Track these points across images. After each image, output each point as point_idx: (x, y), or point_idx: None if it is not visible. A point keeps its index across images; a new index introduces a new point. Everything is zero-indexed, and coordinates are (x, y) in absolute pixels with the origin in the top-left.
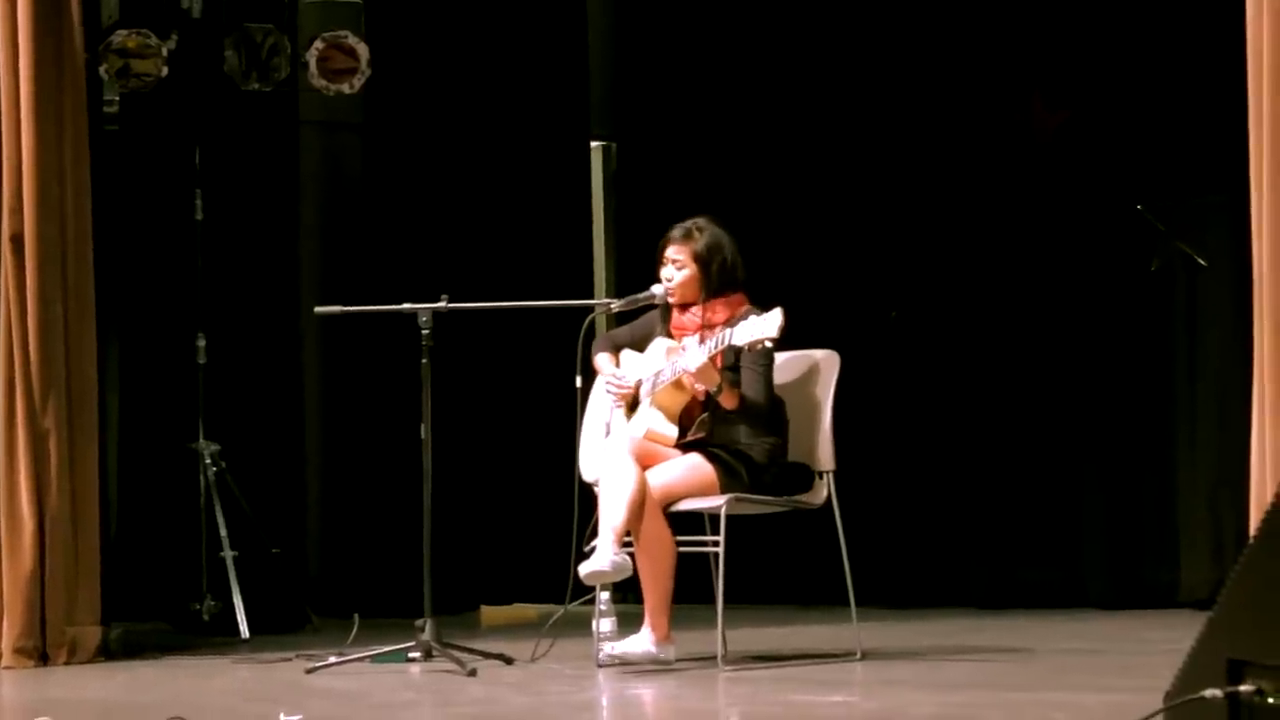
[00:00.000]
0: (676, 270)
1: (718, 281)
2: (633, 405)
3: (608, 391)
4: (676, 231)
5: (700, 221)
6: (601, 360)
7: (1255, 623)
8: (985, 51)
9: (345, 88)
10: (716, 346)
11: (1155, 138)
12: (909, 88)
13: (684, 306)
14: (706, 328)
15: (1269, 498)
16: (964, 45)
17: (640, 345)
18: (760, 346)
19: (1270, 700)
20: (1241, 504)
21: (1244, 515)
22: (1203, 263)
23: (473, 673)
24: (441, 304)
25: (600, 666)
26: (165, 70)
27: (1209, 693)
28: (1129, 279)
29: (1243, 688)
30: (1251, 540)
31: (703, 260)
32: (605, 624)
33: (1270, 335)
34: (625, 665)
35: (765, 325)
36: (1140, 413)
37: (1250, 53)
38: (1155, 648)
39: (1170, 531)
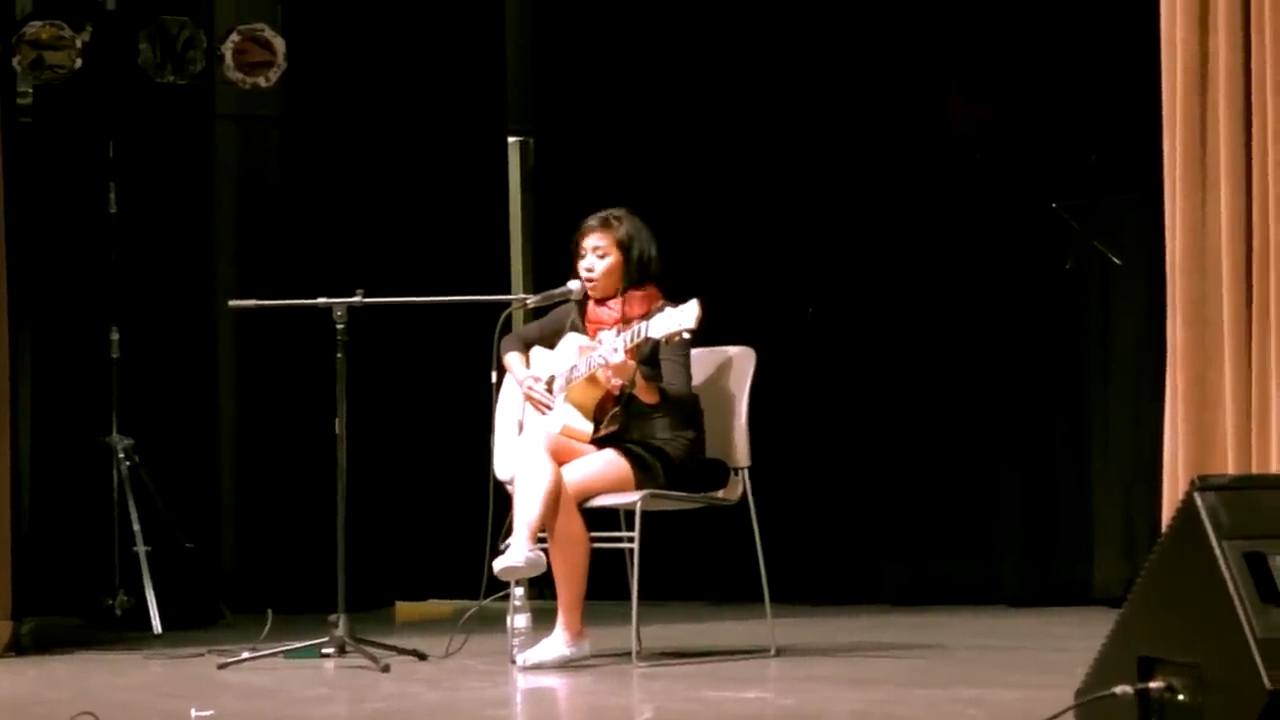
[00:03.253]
0: (599, 259)
1: (638, 270)
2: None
3: (528, 396)
4: (594, 221)
5: (616, 211)
6: (513, 360)
7: (1165, 621)
8: (903, 48)
9: (261, 81)
10: (632, 340)
11: (1070, 136)
12: (827, 83)
13: (601, 300)
14: (624, 322)
15: (1180, 495)
16: (882, 41)
17: (550, 342)
18: (677, 339)
19: (1180, 697)
20: (1155, 501)
21: (1157, 512)
22: (1117, 261)
23: (386, 668)
24: (356, 298)
25: (514, 664)
26: (79, 62)
27: (1120, 689)
28: (1044, 276)
29: (1153, 684)
30: (1161, 538)
31: (625, 247)
32: (520, 620)
33: (1183, 332)
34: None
35: (682, 317)
36: (1055, 410)
37: (1164, 53)
38: (1069, 645)
39: (1084, 528)
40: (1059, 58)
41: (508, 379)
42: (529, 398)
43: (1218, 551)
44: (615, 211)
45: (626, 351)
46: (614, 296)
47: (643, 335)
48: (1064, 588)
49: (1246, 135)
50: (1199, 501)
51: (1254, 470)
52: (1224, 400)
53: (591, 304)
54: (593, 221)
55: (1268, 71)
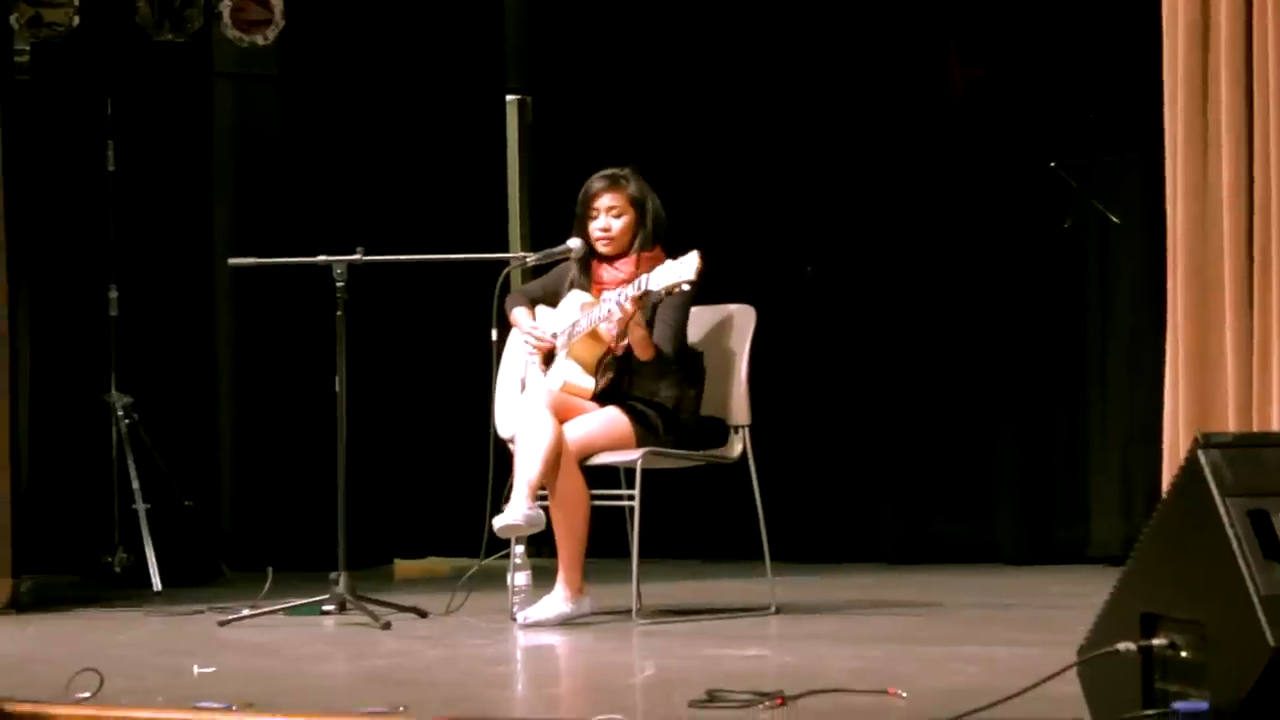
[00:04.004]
0: (614, 218)
1: (652, 226)
2: (548, 359)
3: (526, 344)
4: (600, 181)
5: (621, 170)
6: (519, 314)
7: (1168, 577)
8: (901, 7)
9: (259, 39)
10: (634, 291)
11: (1069, 95)
12: (825, 42)
13: (613, 259)
14: (631, 283)
15: (1183, 454)
16: (881, 2)
17: (552, 300)
18: (677, 290)
19: (1183, 654)
20: (1153, 461)
21: (1155, 472)
22: (1116, 220)
23: (387, 626)
24: (356, 256)
25: (515, 622)
26: (77, 20)
27: (1122, 646)
28: (1043, 236)
29: (1155, 641)
30: (1165, 495)
31: (639, 203)
32: (520, 578)
33: (1183, 292)
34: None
35: (682, 269)
36: (1054, 369)
37: (1165, 12)
38: (1066, 602)
39: (1082, 487)
40: (1058, 16)
41: (511, 337)
42: (529, 342)
43: (1221, 509)
44: (620, 170)
45: (631, 300)
46: (626, 255)
47: (643, 288)
48: (1061, 546)
49: (1248, 96)
50: (1203, 459)
51: (1255, 430)
52: (1225, 361)
53: (597, 263)
54: (600, 182)
55: (1270, 31)
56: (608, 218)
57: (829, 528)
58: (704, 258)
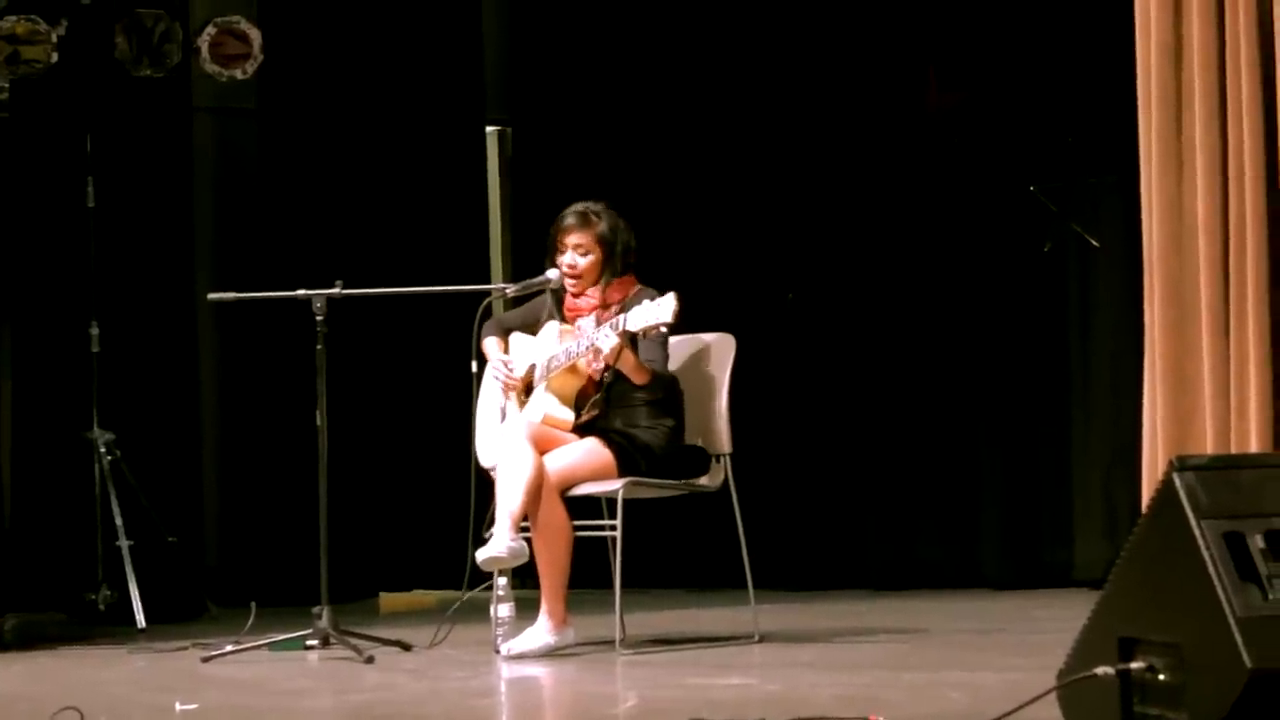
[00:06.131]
0: (581, 256)
1: (621, 263)
2: (527, 390)
3: (496, 380)
4: (572, 218)
5: (594, 205)
6: (490, 345)
7: (1146, 600)
8: (880, 33)
9: (238, 73)
10: (614, 330)
11: (1048, 118)
12: (805, 69)
13: (580, 292)
14: (603, 307)
15: (1160, 476)
16: (859, 26)
17: (531, 329)
18: (655, 332)
19: (1161, 676)
20: (1135, 482)
21: (1137, 494)
22: (1095, 243)
23: (370, 660)
24: (336, 290)
25: (498, 654)
26: (55, 57)
27: (1101, 670)
28: (1023, 260)
29: (1134, 665)
30: (1141, 518)
31: (606, 242)
32: (503, 610)
33: (1160, 314)
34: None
35: (660, 311)
36: (1035, 393)
37: (1139, 34)
38: (1051, 627)
39: (1065, 511)
40: (1036, 41)
41: (489, 366)
42: (498, 378)
43: (1197, 531)
44: (592, 206)
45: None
46: (595, 285)
47: (620, 328)
48: (1046, 570)
49: (1222, 115)
50: (1178, 482)
51: (1233, 451)
52: (1203, 382)
53: (569, 292)
54: (571, 219)
55: (1241, 51)
56: (574, 255)
57: (813, 555)
58: (682, 291)
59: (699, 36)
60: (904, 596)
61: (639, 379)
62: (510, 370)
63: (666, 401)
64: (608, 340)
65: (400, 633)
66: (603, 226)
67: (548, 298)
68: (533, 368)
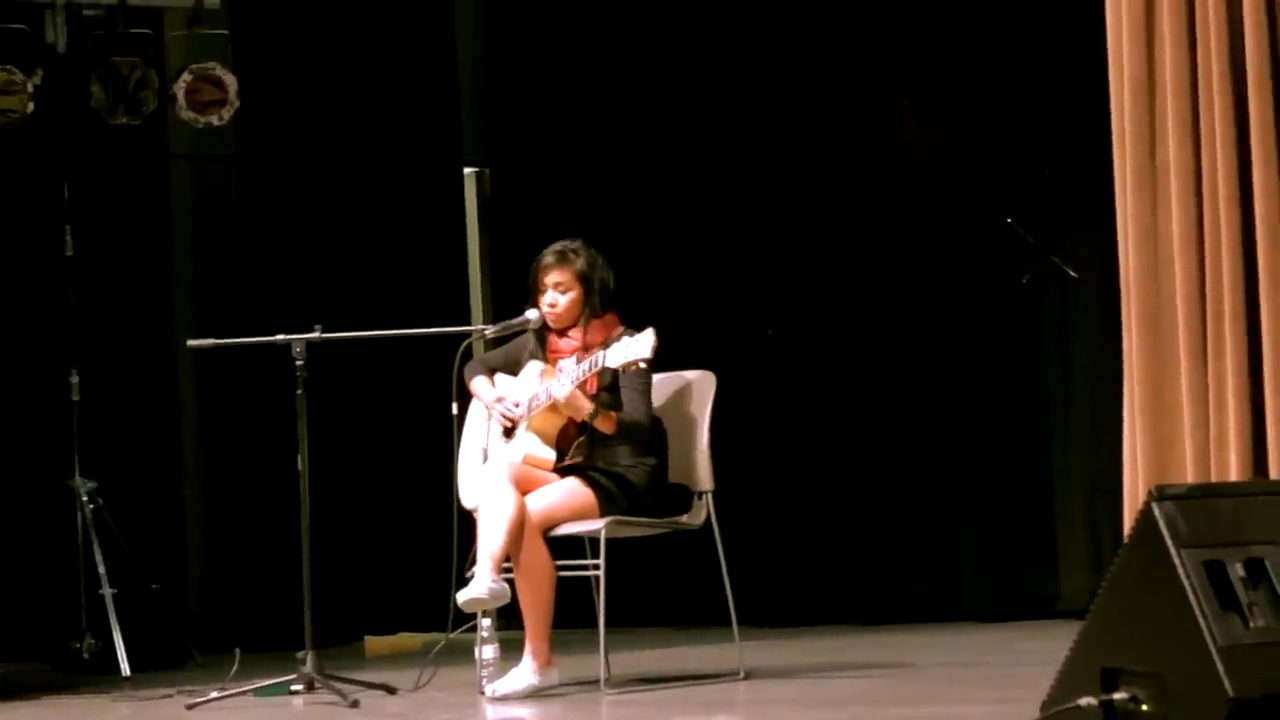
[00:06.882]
0: (561, 294)
1: (600, 300)
2: (509, 429)
3: (496, 413)
4: (550, 257)
5: (571, 244)
6: (479, 385)
7: (1127, 631)
8: (856, 68)
9: (214, 119)
10: (590, 369)
11: (1024, 150)
12: (782, 106)
13: (562, 330)
14: (584, 349)
15: (1141, 505)
16: (835, 62)
17: (513, 369)
18: (634, 368)
19: (1144, 707)
20: (1117, 512)
21: (1119, 523)
22: (1073, 274)
23: (355, 704)
24: (315, 334)
25: (483, 695)
26: (31, 106)
27: (1084, 701)
28: (1001, 291)
29: (1117, 695)
30: (1122, 549)
31: (585, 279)
32: (488, 651)
33: (1138, 344)
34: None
35: (638, 346)
36: (1016, 424)
37: (1112, 65)
38: (1035, 659)
39: (1048, 542)
40: (1011, 74)
41: (473, 407)
42: (500, 411)
43: (1177, 561)
44: (570, 244)
45: (586, 381)
46: (575, 326)
47: (600, 364)
48: (1030, 602)
49: (1195, 145)
50: (1157, 512)
51: (1213, 479)
52: (1181, 410)
53: (550, 333)
54: (550, 258)
55: (1214, 81)
56: (555, 293)
57: (796, 590)
58: (661, 330)
59: (676, 75)
60: (888, 631)
61: (605, 428)
62: (509, 405)
63: (648, 440)
64: (561, 388)
65: (385, 676)
66: (580, 263)
67: (530, 338)
68: (516, 406)
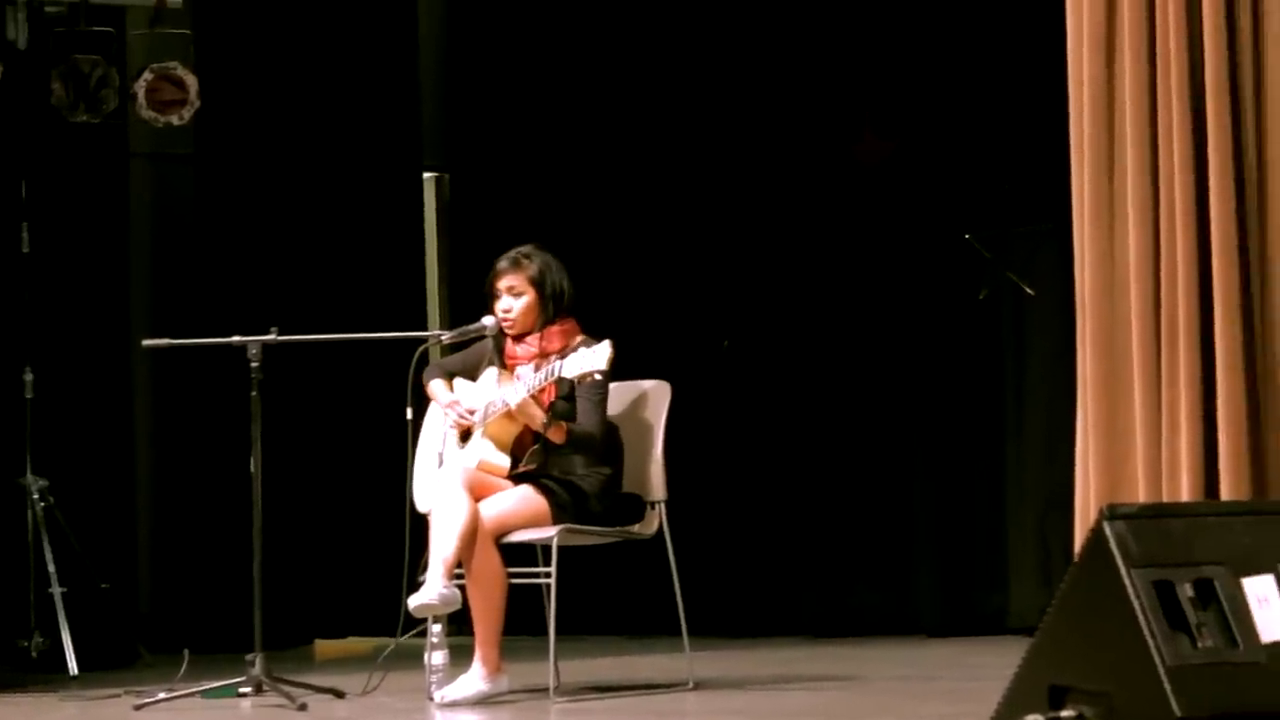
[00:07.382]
0: (514, 298)
1: (554, 305)
2: (465, 435)
3: (450, 415)
4: (504, 262)
5: (525, 249)
6: (436, 387)
7: (1076, 648)
8: (815, 81)
9: (175, 119)
10: (546, 379)
11: (984, 166)
12: (742, 118)
13: (519, 337)
14: (542, 356)
15: (1092, 523)
16: (794, 75)
17: (472, 374)
18: (590, 379)
19: None
20: (1069, 528)
21: (1071, 540)
22: (1030, 291)
23: (303, 707)
24: (271, 336)
25: (432, 701)
26: None
27: (1031, 718)
28: (958, 307)
29: (1064, 713)
30: (1072, 567)
31: (539, 283)
32: (437, 657)
33: (1093, 363)
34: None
35: (594, 358)
36: (970, 439)
37: (1071, 83)
38: (985, 674)
39: (1000, 558)
40: (971, 89)
41: (430, 411)
42: (453, 414)
43: (1127, 580)
44: (524, 250)
45: (543, 389)
46: (532, 332)
47: (557, 374)
48: (980, 617)
49: (1154, 164)
50: (1108, 530)
51: (1165, 499)
52: (1134, 430)
53: (509, 340)
54: (503, 263)
55: (1173, 101)
56: (509, 298)
57: (748, 602)
58: (617, 340)
59: (638, 85)
60: (839, 643)
61: (555, 438)
62: (464, 409)
63: (603, 449)
64: (515, 395)
65: (334, 680)
66: (534, 269)
67: (489, 344)
68: (472, 413)
